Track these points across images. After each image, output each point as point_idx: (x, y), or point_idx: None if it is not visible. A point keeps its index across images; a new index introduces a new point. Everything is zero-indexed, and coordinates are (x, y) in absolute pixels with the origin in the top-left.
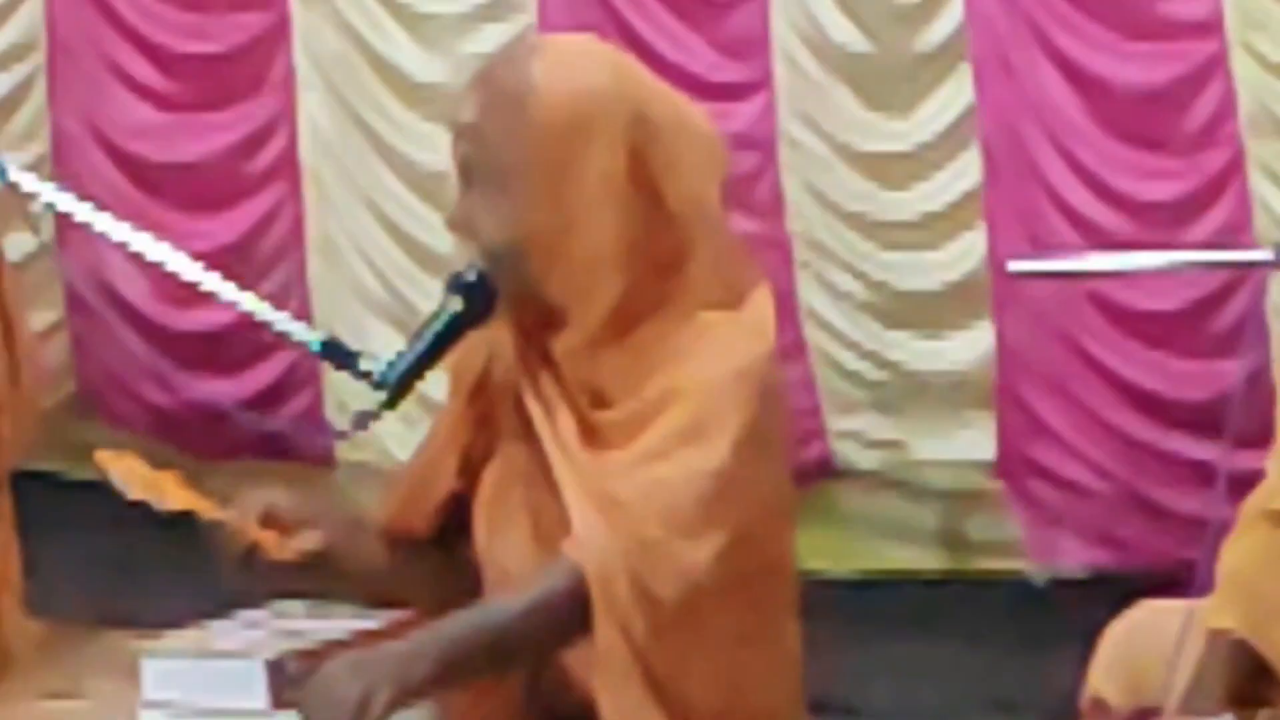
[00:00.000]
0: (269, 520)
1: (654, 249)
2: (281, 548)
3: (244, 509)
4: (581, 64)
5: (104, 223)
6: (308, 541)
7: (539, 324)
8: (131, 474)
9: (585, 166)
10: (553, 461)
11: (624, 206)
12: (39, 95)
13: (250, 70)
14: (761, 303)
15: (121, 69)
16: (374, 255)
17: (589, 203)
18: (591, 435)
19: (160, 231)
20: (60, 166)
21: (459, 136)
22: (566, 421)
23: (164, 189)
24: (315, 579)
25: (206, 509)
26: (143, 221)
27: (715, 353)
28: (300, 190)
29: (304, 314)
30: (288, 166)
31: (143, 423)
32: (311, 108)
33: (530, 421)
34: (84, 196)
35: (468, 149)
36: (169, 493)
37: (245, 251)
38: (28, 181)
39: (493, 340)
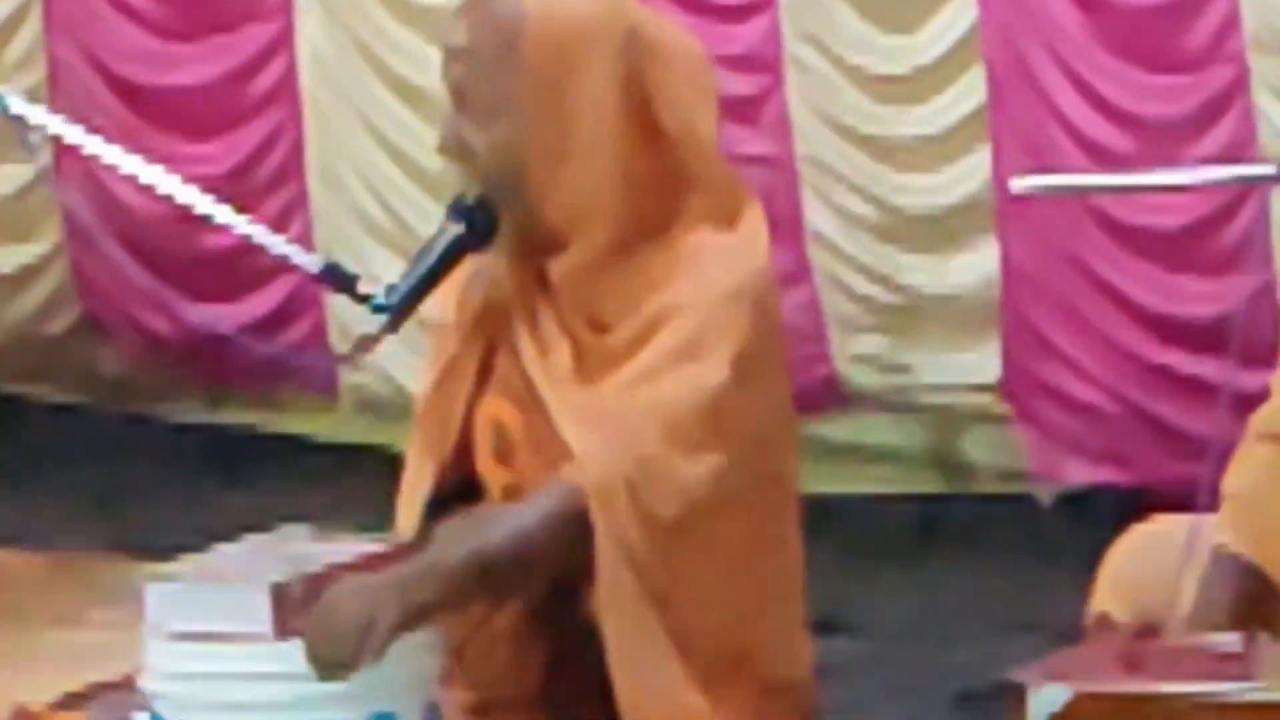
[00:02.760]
0: None
1: (649, 171)
2: None
3: None
4: None
5: (109, 152)
6: None
7: (537, 249)
8: None
9: (580, 91)
10: (541, 392)
11: (619, 130)
12: (35, 22)
13: None
14: (754, 221)
15: None
16: (375, 180)
17: (584, 127)
18: (591, 360)
19: (159, 158)
20: (57, 93)
21: (450, 59)
22: (561, 349)
23: (162, 115)
24: None
25: None
26: (141, 148)
27: (709, 271)
28: (300, 115)
29: (305, 239)
30: (287, 91)
31: (146, 350)
32: (310, 31)
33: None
34: (82, 124)
35: (460, 72)
36: None
37: (245, 177)
38: (31, 113)
39: (489, 267)
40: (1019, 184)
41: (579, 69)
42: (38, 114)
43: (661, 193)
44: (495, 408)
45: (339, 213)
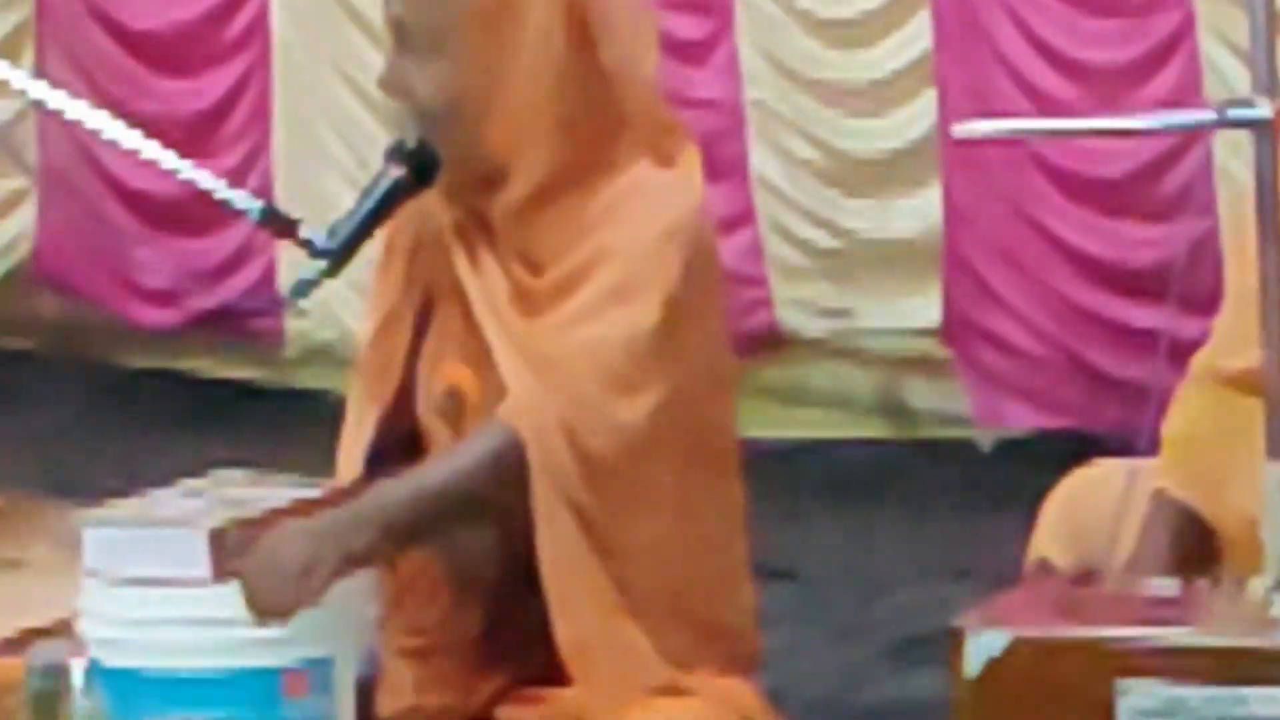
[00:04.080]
0: None
1: (588, 109)
2: None
3: None
4: None
5: (55, 99)
6: None
7: (475, 187)
8: None
9: (522, 27)
10: (485, 328)
11: (559, 66)
12: None
13: None
14: (690, 162)
15: None
16: (343, 123)
17: (524, 62)
18: (525, 301)
19: (143, 94)
20: (44, 29)
21: None
22: (500, 287)
23: (146, 52)
24: None
25: None
26: (126, 83)
27: (643, 212)
28: (269, 57)
29: (267, 181)
30: (259, 33)
31: (95, 295)
32: None
33: (463, 289)
34: (68, 58)
35: (402, 10)
36: None
37: (220, 116)
38: None
39: (423, 205)
40: (961, 129)
41: (521, 4)
42: None
43: (599, 131)
44: (453, 372)
45: (305, 156)
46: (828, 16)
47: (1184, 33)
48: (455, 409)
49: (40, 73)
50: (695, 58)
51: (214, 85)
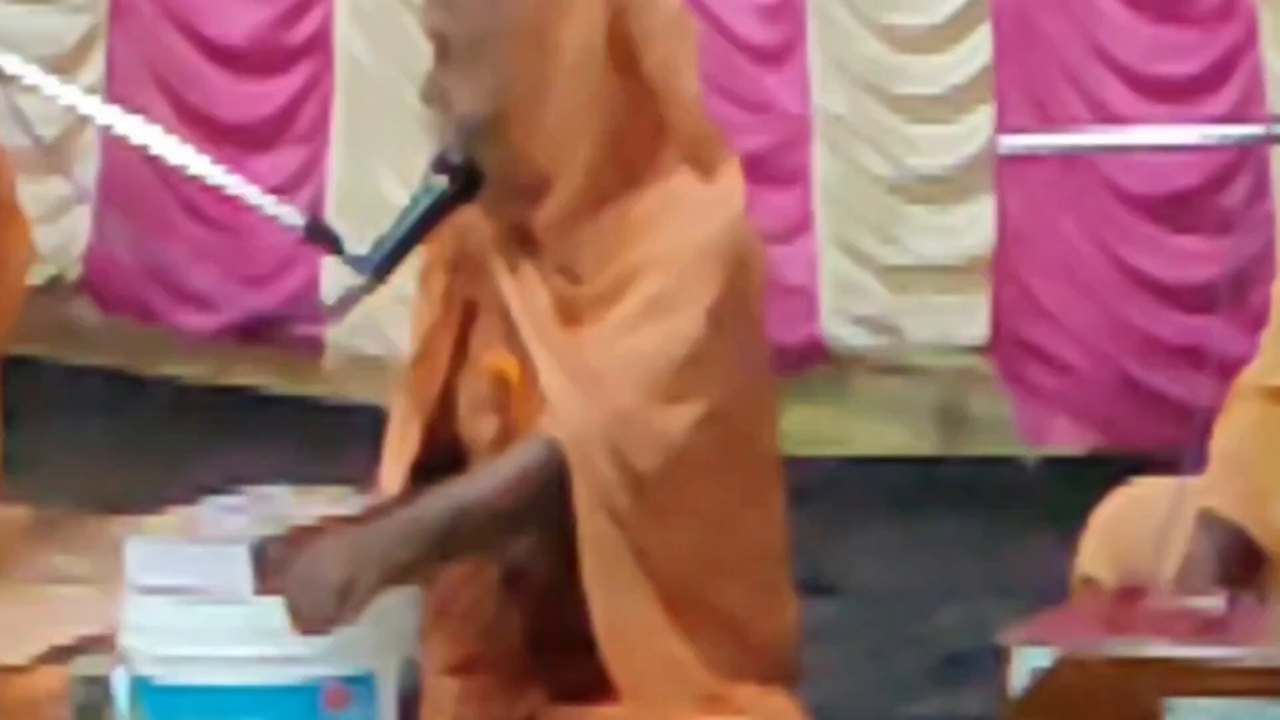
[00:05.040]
0: None
1: (629, 119)
2: None
3: None
4: None
5: (105, 114)
6: None
7: (517, 198)
8: None
9: (564, 35)
10: (527, 340)
11: (601, 77)
12: None
13: None
14: (731, 174)
15: None
16: (406, 127)
17: (567, 73)
18: (567, 313)
19: (216, 95)
20: (116, 29)
21: (432, 6)
22: (541, 300)
23: (219, 57)
24: None
25: None
26: (199, 84)
27: (684, 224)
28: (331, 64)
29: (324, 186)
30: (324, 36)
31: (142, 304)
32: None
33: (505, 302)
34: (139, 59)
35: (443, 20)
36: None
37: (285, 120)
38: (34, 76)
39: (464, 218)
40: (1008, 143)
41: (563, 13)
42: (40, 77)
43: (640, 142)
44: (497, 359)
45: (365, 159)
46: (900, 25)
47: (1247, 44)
48: (501, 396)
49: (109, 77)
50: (767, 64)
51: (281, 89)
